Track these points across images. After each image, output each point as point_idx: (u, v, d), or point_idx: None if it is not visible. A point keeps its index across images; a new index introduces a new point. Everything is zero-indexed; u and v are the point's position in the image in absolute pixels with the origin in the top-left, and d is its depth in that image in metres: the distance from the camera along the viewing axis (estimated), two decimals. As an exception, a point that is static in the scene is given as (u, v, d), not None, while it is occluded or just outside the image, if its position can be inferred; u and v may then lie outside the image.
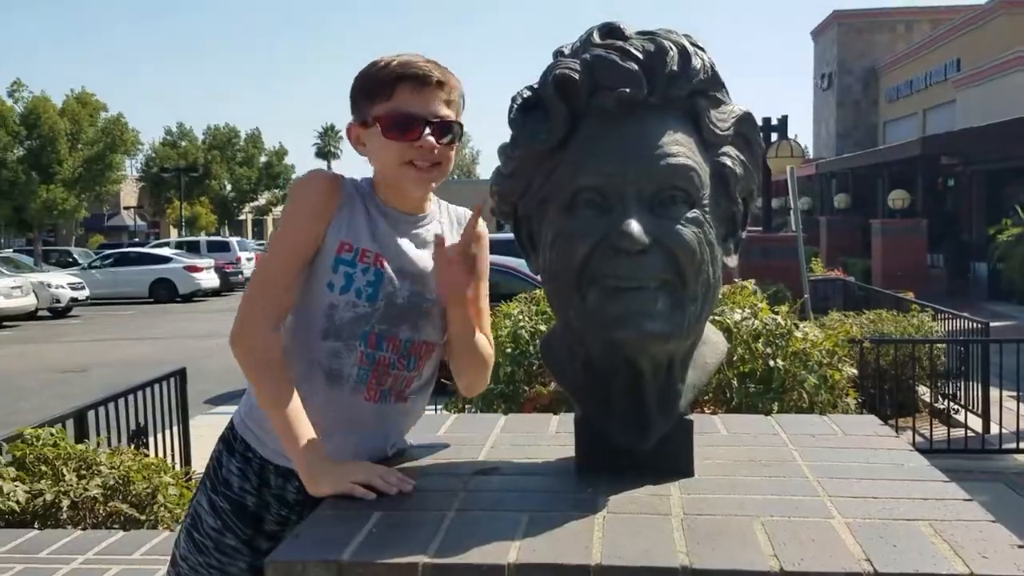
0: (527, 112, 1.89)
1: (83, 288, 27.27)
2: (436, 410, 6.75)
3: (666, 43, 1.81)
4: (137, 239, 56.11)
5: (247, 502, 2.08)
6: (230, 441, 2.14)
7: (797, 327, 3.69)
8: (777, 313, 3.68)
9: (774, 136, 17.02)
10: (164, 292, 29.33)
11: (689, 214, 1.78)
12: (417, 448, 2.21)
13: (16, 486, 3.72)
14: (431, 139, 2.00)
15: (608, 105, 1.78)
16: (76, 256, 37.33)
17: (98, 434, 6.28)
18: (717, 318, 3.60)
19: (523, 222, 1.98)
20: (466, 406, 4.32)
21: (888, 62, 36.19)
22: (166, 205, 53.73)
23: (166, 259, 31.05)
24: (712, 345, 2.03)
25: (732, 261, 1.95)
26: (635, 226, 1.71)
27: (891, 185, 27.30)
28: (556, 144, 1.85)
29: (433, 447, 2.22)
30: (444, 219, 2.17)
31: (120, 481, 3.96)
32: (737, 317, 3.59)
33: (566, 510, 1.74)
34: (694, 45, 1.85)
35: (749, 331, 3.57)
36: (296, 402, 1.94)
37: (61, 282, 26.78)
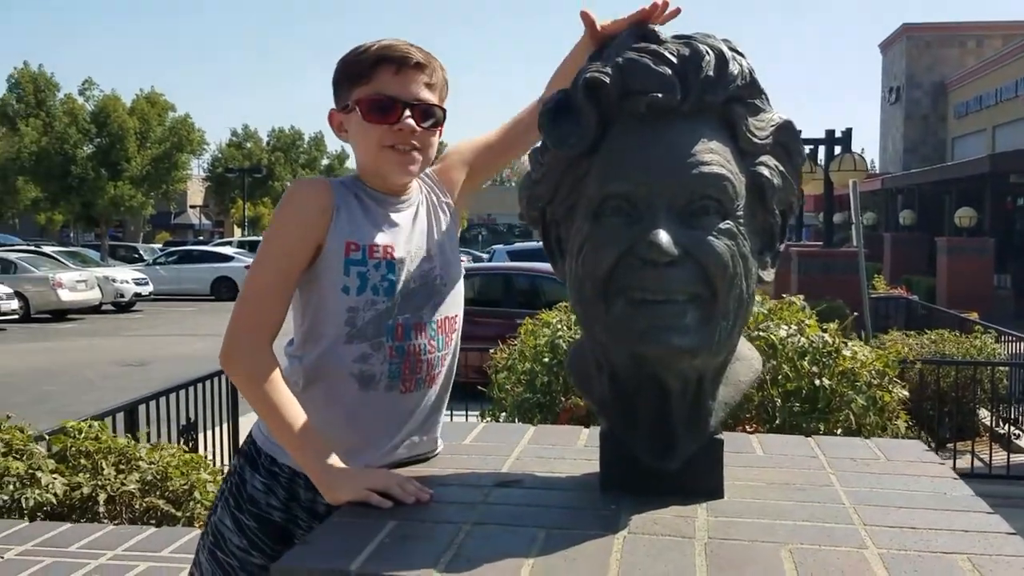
0: (558, 116, 1.83)
1: (147, 284, 27.76)
2: (467, 416, 6.73)
3: (702, 47, 1.74)
4: (201, 237, 57.06)
5: (274, 518, 2.02)
6: (253, 456, 2.08)
7: (846, 345, 3.57)
8: (825, 330, 3.58)
9: (837, 149, 16.71)
10: (225, 290, 29.73)
11: (722, 225, 1.71)
12: (441, 456, 2.16)
13: (55, 478, 3.75)
14: (411, 122, 1.97)
15: (639, 110, 1.72)
16: (142, 252, 38.05)
17: (148, 428, 6.36)
18: (762, 334, 3.50)
19: (551, 228, 1.92)
20: (502, 415, 4.27)
21: (958, 77, 35.46)
22: (230, 205, 54.48)
23: (228, 257, 31.48)
24: (746, 362, 1.95)
25: (768, 275, 1.88)
26: (663, 236, 1.65)
27: (958, 202, 26.69)
28: (586, 149, 1.79)
29: (457, 455, 2.17)
30: (424, 188, 2.14)
31: (158, 477, 3.98)
32: (783, 333, 3.48)
33: (586, 528, 1.68)
34: (732, 50, 1.78)
35: (795, 348, 3.46)
36: (300, 412, 1.90)
37: (126, 277, 27.31)
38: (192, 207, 65.47)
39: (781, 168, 1.83)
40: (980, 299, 19.47)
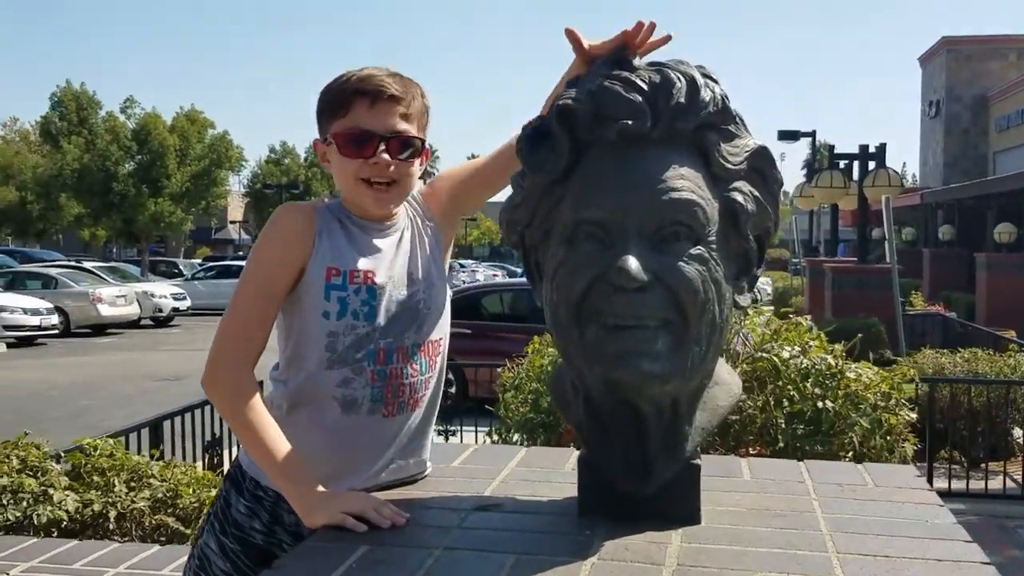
0: (534, 142, 1.84)
1: (185, 299, 28.08)
2: (477, 435, 6.73)
3: (673, 75, 1.75)
4: (240, 252, 57.61)
5: (257, 541, 2.04)
6: (238, 480, 2.10)
7: (850, 366, 3.54)
8: (831, 352, 3.54)
9: (871, 164, 16.56)
10: (261, 305, 29.86)
11: (693, 251, 1.71)
12: (427, 478, 2.18)
13: (67, 495, 3.82)
14: (386, 156, 1.98)
15: (610, 137, 1.73)
16: (181, 267, 38.49)
17: (172, 444, 6.43)
18: (765, 355, 3.49)
19: (531, 252, 1.93)
20: (511, 434, 4.28)
21: (999, 90, 35.01)
22: (269, 220, 54.85)
23: (265, 273, 31.65)
24: (725, 387, 1.95)
25: (744, 300, 1.88)
26: (632, 262, 1.65)
27: (999, 218, 26.31)
28: (560, 175, 1.80)
29: (442, 478, 2.19)
30: (410, 212, 2.15)
31: (169, 494, 4.03)
32: (786, 355, 3.46)
33: (556, 554, 1.68)
34: (706, 76, 1.78)
35: (798, 370, 3.44)
36: (279, 435, 1.92)
37: (164, 292, 27.65)
38: (232, 222, 66.18)
39: (756, 193, 1.83)
40: (1020, 316, 19.15)
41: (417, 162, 2.06)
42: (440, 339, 2.13)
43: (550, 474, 2.23)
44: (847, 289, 15.47)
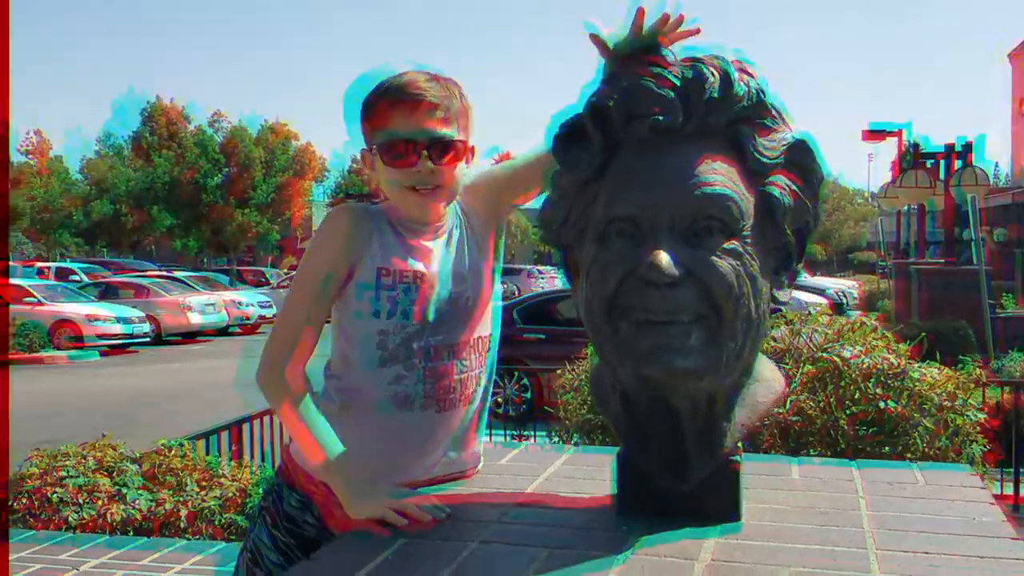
0: (569, 140, 1.86)
1: (271, 306, 28.64)
2: (535, 437, 6.74)
3: (707, 69, 1.74)
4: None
5: (308, 534, 2.08)
6: (290, 475, 2.15)
7: (913, 366, 3.45)
8: (895, 351, 3.46)
9: (958, 163, 16.11)
10: (344, 312, 30.29)
11: (726, 245, 1.70)
12: (472, 475, 2.20)
13: (140, 494, 3.94)
14: (429, 163, 2.00)
15: (642, 133, 1.73)
16: (268, 276, 39.30)
17: (251, 446, 6.58)
18: (826, 355, 3.43)
19: (567, 251, 1.94)
20: (569, 435, 4.28)
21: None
22: (353, 229, 55.64)
23: (348, 281, 32.13)
24: (766, 383, 1.93)
25: (784, 295, 1.86)
26: (663, 257, 1.65)
27: (1098, 216, 25.34)
28: (594, 173, 1.81)
29: (488, 475, 2.21)
30: (457, 211, 2.16)
31: (238, 493, 4.13)
32: (847, 354, 3.40)
33: (590, 548, 1.69)
34: (741, 70, 1.78)
35: (861, 370, 3.37)
36: (327, 430, 1.98)
37: (251, 300, 28.27)
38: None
39: (794, 187, 1.81)
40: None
41: (460, 164, 2.08)
42: (489, 335, 2.16)
43: (595, 472, 2.23)
44: (935, 291, 15.05)
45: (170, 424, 12.11)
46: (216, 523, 3.99)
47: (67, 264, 39.73)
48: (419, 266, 2.06)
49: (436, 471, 2.12)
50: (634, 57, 1.82)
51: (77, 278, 33.80)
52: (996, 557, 1.63)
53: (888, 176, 23.68)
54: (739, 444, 1.90)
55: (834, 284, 33.22)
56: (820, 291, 27.87)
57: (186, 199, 37.67)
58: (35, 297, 22.71)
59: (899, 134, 22.56)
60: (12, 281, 25.04)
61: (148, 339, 23.54)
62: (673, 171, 1.72)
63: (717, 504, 1.84)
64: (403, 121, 2.00)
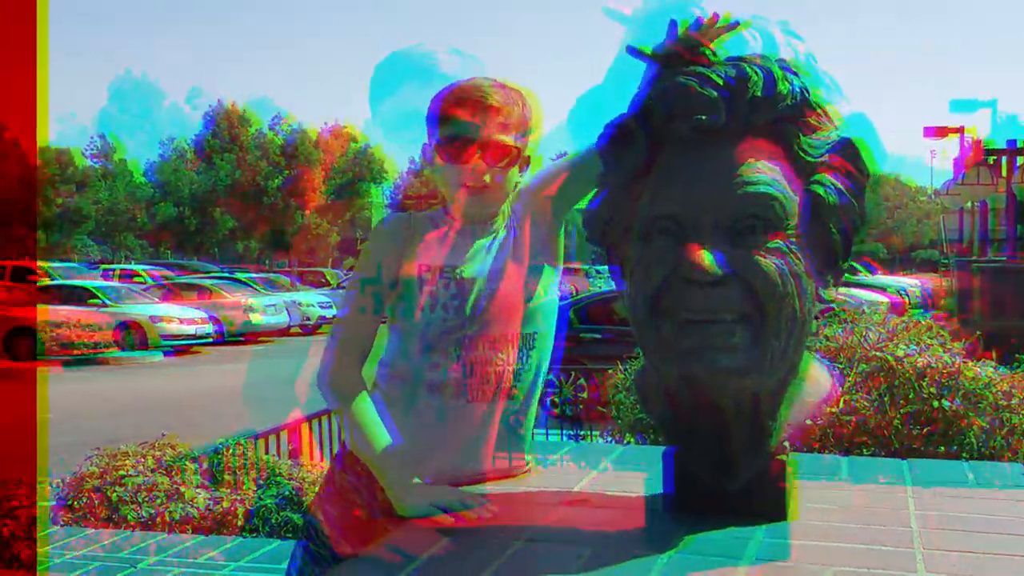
0: (615, 140, 1.87)
1: (331, 307, 28.94)
2: (589, 436, 6.76)
3: (749, 68, 1.74)
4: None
5: (359, 514, 2.13)
6: (342, 455, 2.23)
7: (968, 365, 3.39)
8: (951, 350, 3.41)
9: (1021, 160, 15.76)
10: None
11: (770, 244, 1.70)
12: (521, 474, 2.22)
13: (198, 493, 4.03)
14: (482, 164, 2.08)
15: (686, 132, 1.74)
16: (328, 277, 39.74)
17: (310, 445, 6.68)
18: (878, 354, 3.39)
19: (613, 249, 1.96)
20: (623, 434, 4.28)
21: None
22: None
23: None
24: (814, 382, 1.92)
25: (830, 294, 1.86)
26: (706, 256, 1.66)
27: None
28: (639, 172, 1.82)
29: (536, 474, 2.23)
30: (509, 213, 2.22)
31: (295, 492, 4.20)
32: (901, 353, 3.35)
33: (635, 547, 1.70)
34: (785, 69, 1.78)
35: (914, 369, 3.32)
36: (382, 431, 2.06)
37: (312, 301, 28.59)
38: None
39: (840, 185, 1.80)
40: None
41: (514, 169, 2.15)
42: (535, 332, 2.18)
43: (644, 471, 2.24)
44: (998, 289, 14.74)
45: (231, 423, 12.28)
46: (273, 521, 4.06)
47: (131, 266, 40.60)
48: (462, 264, 2.13)
49: (481, 467, 2.15)
50: (678, 57, 1.83)
51: (141, 280, 34.52)
52: (1046, 558, 1.61)
53: (951, 173, 23.22)
54: (786, 443, 1.90)
55: (896, 282, 32.73)
56: (882, 288, 27.52)
57: (248, 201, 38.22)
58: (99, 298, 23.20)
59: (960, 130, 22.14)
60: (76, 283, 25.60)
61: (211, 339, 23.92)
62: (716, 170, 1.73)
63: (764, 503, 1.84)
64: (463, 121, 2.10)
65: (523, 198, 2.27)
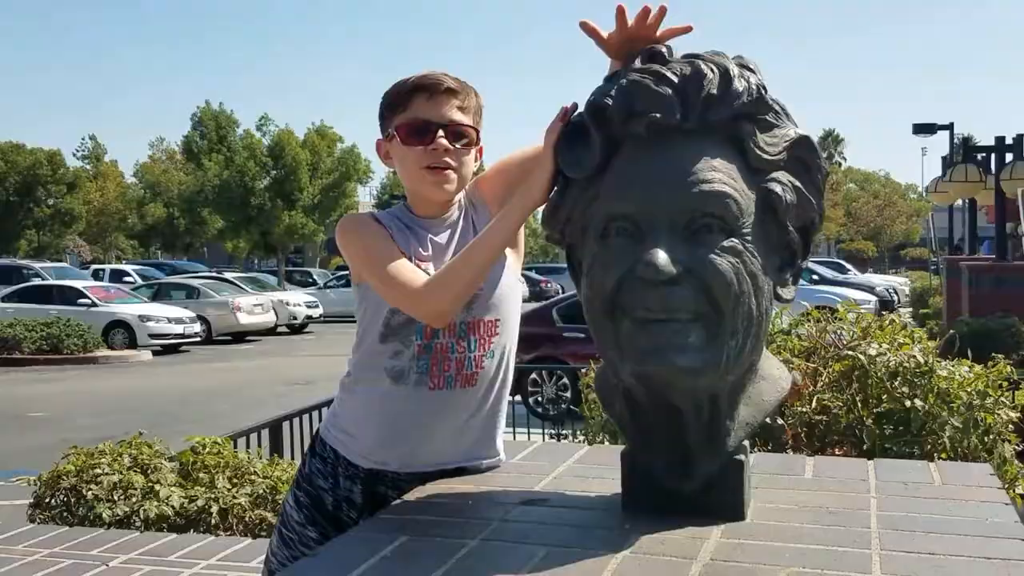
0: (571, 139, 1.86)
1: (317, 306, 28.99)
2: (559, 437, 6.73)
3: (705, 66, 1.73)
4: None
5: (325, 500, 2.19)
6: (313, 443, 2.29)
7: (941, 364, 3.38)
8: (924, 349, 3.39)
9: (1008, 156, 15.77)
10: (391, 312, 30.53)
11: (726, 243, 1.69)
12: (481, 473, 2.21)
13: (172, 491, 4.01)
14: (443, 141, 2.11)
15: (641, 131, 1.73)
16: (315, 276, 39.67)
17: (292, 445, 6.65)
18: (850, 354, 3.38)
19: (572, 249, 1.95)
20: (596, 434, 4.27)
21: None
22: (399, 230, 56.03)
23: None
24: (772, 382, 1.91)
25: (788, 293, 1.84)
26: (660, 255, 1.65)
27: None
28: (595, 171, 1.81)
29: (498, 473, 2.22)
30: (463, 202, 2.24)
31: (268, 490, 4.19)
32: (872, 352, 3.34)
33: (589, 547, 1.69)
34: (742, 67, 1.77)
35: (886, 368, 3.31)
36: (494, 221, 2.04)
37: (298, 301, 28.59)
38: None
39: (797, 184, 1.79)
40: None
41: (473, 152, 2.19)
42: (496, 319, 2.18)
43: (605, 471, 2.22)
44: (985, 288, 14.75)
45: (216, 422, 12.27)
46: (246, 520, 4.05)
47: (121, 266, 40.49)
48: (423, 252, 2.15)
49: (450, 455, 2.17)
50: (634, 56, 1.83)
51: (131, 280, 34.45)
52: (1004, 559, 1.61)
53: (939, 171, 23.29)
54: (746, 443, 1.89)
55: (884, 281, 32.81)
56: (870, 288, 27.57)
57: (235, 201, 38.12)
58: (89, 298, 23.17)
59: (951, 127, 22.20)
60: (67, 283, 25.55)
61: (199, 339, 23.90)
62: (671, 169, 1.71)
63: (722, 503, 1.83)
64: (423, 104, 2.13)
65: (481, 186, 2.28)
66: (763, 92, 1.77)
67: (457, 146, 2.13)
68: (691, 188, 1.69)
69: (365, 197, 55.41)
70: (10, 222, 44.84)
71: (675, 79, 1.73)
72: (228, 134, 40.21)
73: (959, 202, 23.54)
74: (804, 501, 1.96)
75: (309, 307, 28.70)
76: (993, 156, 16.84)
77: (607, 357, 1.82)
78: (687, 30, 1.87)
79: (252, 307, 25.90)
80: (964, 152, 19.47)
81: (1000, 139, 16.13)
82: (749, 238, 1.72)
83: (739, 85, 1.74)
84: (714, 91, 1.72)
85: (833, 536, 1.74)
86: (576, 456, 2.38)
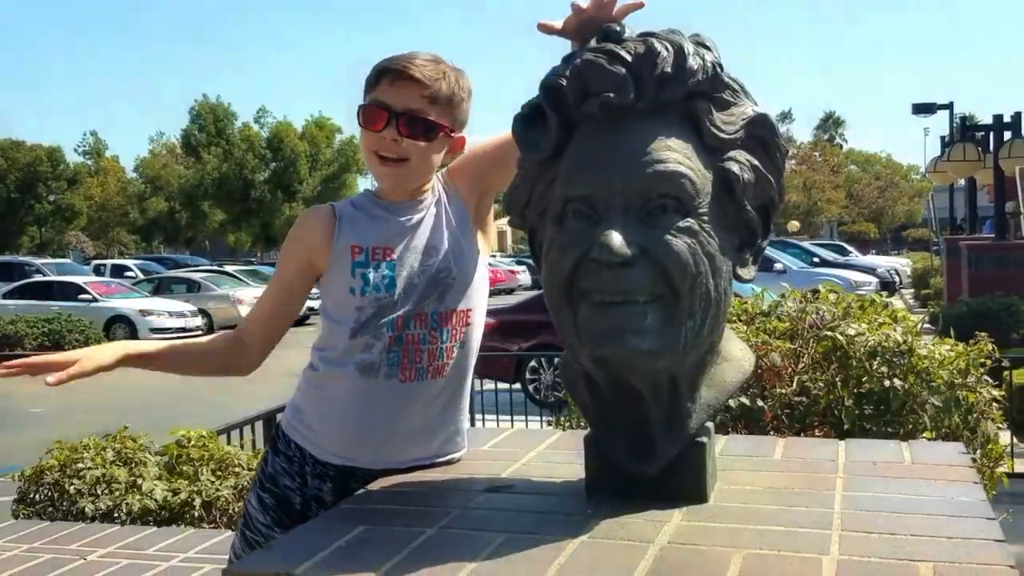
0: (528, 121, 1.84)
1: (317, 298, 28.98)
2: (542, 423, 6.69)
3: (659, 44, 1.71)
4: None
5: (292, 500, 2.15)
6: (275, 440, 2.25)
7: (920, 343, 3.36)
8: (900, 328, 3.36)
9: (1007, 135, 15.69)
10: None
11: (681, 224, 1.67)
12: (453, 461, 2.19)
13: (156, 484, 4.00)
14: (392, 131, 2.06)
15: (595, 112, 1.71)
16: (317, 269, 39.62)
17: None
18: (829, 334, 3.35)
19: (533, 233, 1.93)
20: (579, 420, 4.25)
21: None
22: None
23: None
24: (735, 363, 1.90)
25: (748, 273, 1.82)
26: (615, 237, 1.63)
27: None
28: (553, 154, 1.79)
29: (465, 460, 2.20)
30: (438, 189, 2.21)
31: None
32: (851, 332, 3.31)
33: (548, 533, 1.67)
34: (697, 44, 1.74)
35: (865, 348, 3.28)
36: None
37: (300, 293, 28.59)
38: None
39: (755, 162, 1.77)
40: None
41: (432, 144, 2.11)
42: (468, 309, 2.16)
43: (575, 456, 2.20)
44: (984, 268, 14.74)
45: (217, 414, 12.23)
46: (230, 512, 4.04)
47: (123, 261, 40.53)
48: (390, 242, 2.12)
49: (418, 448, 2.14)
50: (593, 36, 1.80)
51: (132, 274, 34.49)
52: (965, 538, 1.59)
53: (938, 150, 23.18)
54: (709, 424, 1.87)
55: (886, 263, 32.76)
56: (871, 270, 27.50)
57: (235, 194, 38.15)
58: (90, 294, 23.22)
59: (950, 106, 22.11)
60: (67, 279, 25.59)
61: (200, 332, 23.94)
62: (626, 149, 1.69)
63: (684, 486, 1.82)
64: (386, 88, 2.09)
65: (451, 175, 2.25)
66: (719, 70, 1.74)
67: (409, 136, 2.07)
68: (646, 168, 1.67)
69: (366, 187, 55.36)
70: (12, 219, 44.91)
71: (629, 58, 1.71)
72: (226, 127, 40.21)
73: (960, 182, 23.47)
74: (768, 483, 1.95)
75: (310, 299, 28.70)
76: (992, 135, 16.76)
77: (568, 341, 1.81)
78: (639, 6, 1.85)
79: (253, 300, 25.77)
80: (962, 131, 19.38)
81: (998, 117, 16.05)
82: (706, 218, 1.70)
83: (694, 63, 1.71)
84: (668, 69, 1.70)
85: (794, 517, 1.72)
86: (548, 442, 2.36)
